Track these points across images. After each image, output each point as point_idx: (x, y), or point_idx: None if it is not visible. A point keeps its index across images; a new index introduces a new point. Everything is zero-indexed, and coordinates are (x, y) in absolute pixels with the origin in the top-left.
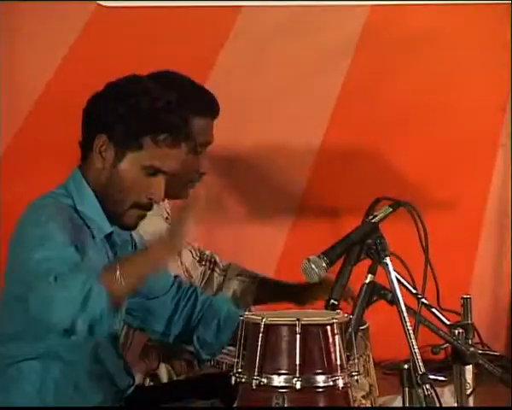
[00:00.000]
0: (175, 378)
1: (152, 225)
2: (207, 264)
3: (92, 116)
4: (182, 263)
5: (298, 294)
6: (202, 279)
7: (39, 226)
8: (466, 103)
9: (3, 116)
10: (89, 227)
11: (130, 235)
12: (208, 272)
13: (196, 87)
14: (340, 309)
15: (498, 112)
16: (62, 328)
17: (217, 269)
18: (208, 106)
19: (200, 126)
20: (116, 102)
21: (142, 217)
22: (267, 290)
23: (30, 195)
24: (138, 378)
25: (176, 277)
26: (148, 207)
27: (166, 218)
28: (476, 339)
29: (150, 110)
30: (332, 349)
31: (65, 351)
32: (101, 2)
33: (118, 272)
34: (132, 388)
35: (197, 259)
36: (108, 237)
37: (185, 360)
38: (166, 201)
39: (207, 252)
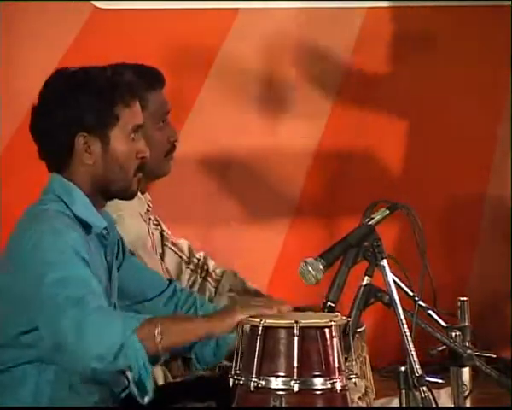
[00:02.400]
0: (171, 380)
1: (132, 225)
2: (199, 271)
3: (57, 125)
4: (167, 269)
5: None
6: (191, 286)
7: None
8: (465, 103)
9: (2, 117)
10: (84, 226)
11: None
12: (199, 280)
13: (143, 66)
14: (338, 311)
15: (498, 112)
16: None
17: (209, 279)
18: (158, 78)
19: (158, 99)
20: (74, 96)
21: (140, 179)
22: None
23: (29, 194)
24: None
25: (171, 280)
26: (143, 166)
27: (147, 211)
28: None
29: (110, 81)
30: (330, 352)
31: None
32: (97, 4)
33: (158, 330)
34: (128, 390)
35: (185, 260)
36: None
37: (182, 362)
38: (147, 194)
39: (198, 255)
